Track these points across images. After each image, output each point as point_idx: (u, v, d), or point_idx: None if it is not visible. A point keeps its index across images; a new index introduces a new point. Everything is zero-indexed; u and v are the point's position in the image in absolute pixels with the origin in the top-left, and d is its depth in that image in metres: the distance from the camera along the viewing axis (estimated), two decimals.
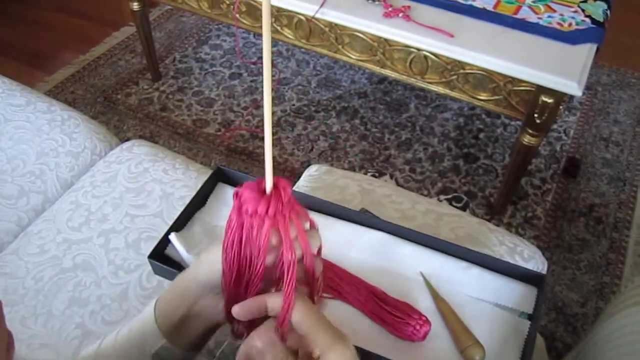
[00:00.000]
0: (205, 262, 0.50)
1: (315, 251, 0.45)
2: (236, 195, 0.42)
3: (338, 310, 0.67)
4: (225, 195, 0.78)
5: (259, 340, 0.42)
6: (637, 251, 1.61)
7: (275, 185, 0.41)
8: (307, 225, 0.45)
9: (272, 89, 2.08)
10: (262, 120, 1.98)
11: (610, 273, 1.55)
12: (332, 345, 0.40)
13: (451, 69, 1.35)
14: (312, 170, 0.98)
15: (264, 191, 0.41)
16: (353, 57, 1.49)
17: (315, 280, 0.45)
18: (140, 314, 0.57)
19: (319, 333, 0.41)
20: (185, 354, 0.55)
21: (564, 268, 1.56)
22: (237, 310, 0.44)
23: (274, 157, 1.85)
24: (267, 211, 0.40)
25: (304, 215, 0.44)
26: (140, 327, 0.55)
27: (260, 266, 0.43)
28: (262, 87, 1.89)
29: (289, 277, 0.41)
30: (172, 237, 0.70)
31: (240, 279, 0.45)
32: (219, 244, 0.47)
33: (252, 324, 0.47)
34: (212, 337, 0.58)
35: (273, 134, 1.92)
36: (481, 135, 1.94)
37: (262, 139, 1.91)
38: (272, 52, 2.27)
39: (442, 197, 1.72)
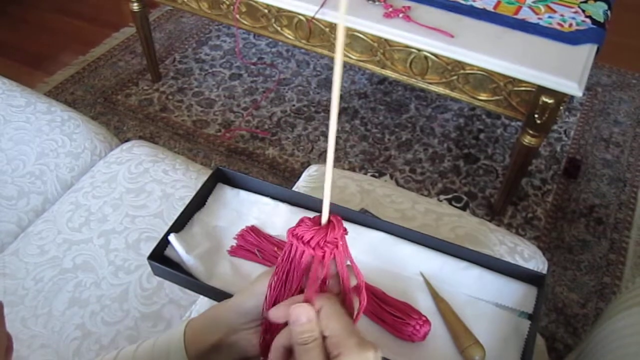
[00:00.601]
0: (252, 291, 0.50)
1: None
2: (292, 232, 0.44)
3: None
4: (225, 196, 0.78)
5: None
6: (637, 252, 1.61)
7: (330, 220, 0.44)
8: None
9: (272, 90, 2.08)
10: (261, 121, 1.98)
11: (610, 274, 1.55)
12: (351, 349, 0.39)
13: (451, 69, 1.35)
14: (312, 170, 0.98)
15: (319, 224, 0.44)
16: (353, 57, 1.49)
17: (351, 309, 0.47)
18: (167, 331, 0.57)
19: (343, 335, 0.40)
20: None
21: (564, 269, 1.56)
22: (272, 311, 0.45)
23: (273, 158, 1.86)
24: (319, 242, 0.43)
25: (348, 253, 0.46)
26: (166, 345, 0.55)
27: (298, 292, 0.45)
28: (263, 87, 1.88)
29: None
30: (172, 238, 0.70)
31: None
32: (266, 276, 0.48)
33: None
34: None
35: (273, 134, 1.93)
36: (481, 136, 1.94)
37: (263, 139, 1.91)
38: (272, 53, 2.28)
39: (442, 197, 1.72)
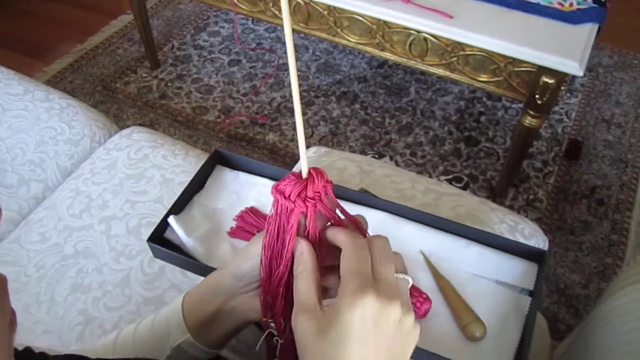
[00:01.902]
0: (246, 255, 0.50)
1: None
2: (275, 187, 0.43)
3: None
4: (224, 178, 0.78)
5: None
6: (639, 232, 1.61)
7: (312, 173, 0.43)
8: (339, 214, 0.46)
9: (271, 75, 2.07)
10: (261, 107, 1.97)
11: (612, 254, 1.55)
12: (352, 293, 0.38)
13: (451, 50, 1.34)
14: (311, 152, 0.98)
15: (301, 177, 0.43)
16: (352, 40, 1.48)
17: None
18: (165, 306, 0.57)
19: (345, 278, 0.39)
20: (206, 351, 0.54)
21: (566, 250, 1.56)
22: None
23: (274, 143, 1.86)
24: (300, 194, 0.42)
25: (339, 206, 0.45)
26: (165, 319, 0.55)
27: (291, 250, 0.44)
28: (262, 72, 1.88)
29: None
30: (171, 219, 0.70)
31: (277, 269, 0.45)
32: (259, 238, 0.47)
33: (286, 320, 0.47)
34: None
35: (272, 120, 1.92)
36: (482, 119, 1.93)
37: (262, 125, 1.91)
38: (271, 38, 2.26)
39: (442, 177, 1.71)
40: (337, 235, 0.42)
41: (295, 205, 0.42)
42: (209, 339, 0.54)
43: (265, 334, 0.49)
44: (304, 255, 0.42)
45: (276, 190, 0.43)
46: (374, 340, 0.37)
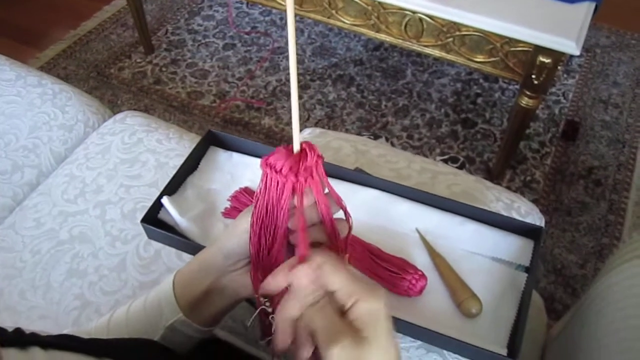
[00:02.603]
0: (233, 232, 0.49)
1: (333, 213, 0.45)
2: (265, 160, 0.42)
3: None
4: (218, 159, 0.78)
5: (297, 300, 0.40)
6: (636, 212, 1.61)
7: (304, 147, 0.42)
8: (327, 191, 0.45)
9: (266, 59, 2.05)
10: (257, 91, 1.96)
11: (609, 234, 1.55)
12: (366, 293, 0.38)
13: (447, 31, 1.33)
14: (306, 133, 0.97)
15: (292, 152, 0.42)
16: (347, 22, 1.47)
17: (339, 241, 0.45)
18: (156, 287, 0.57)
19: (351, 284, 0.38)
20: (199, 329, 0.54)
21: (563, 231, 1.56)
22: (269, 280, 0.42)
23: (269, 127, 1.85)
24: (292, 168, 0.41)
25: (326, 181, 0.44)
26: (156, 299, 0.55)
27: (283, 226, 0.43)
28: (257, 56, 1.86)
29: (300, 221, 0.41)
30: (165, 200, 0.69)
31: (267, 245, 0.45)
32: (248, 214, 0.46)
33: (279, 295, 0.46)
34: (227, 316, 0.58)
35: (268, 104, 1.91)
36: (479, 100, 1.92)
37: (258, 109, 1.90)
38: (266, 22, 2.24)
39: (438, 157, 1.71)
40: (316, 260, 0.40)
41: (287, 180, 0.41)
42: (201, 318, 0.53)
43: (257, 311, 0.49)
44: (316, 282, 0.40)
45: (266, 163, 0.42)
46: (392, 332, 0.39)
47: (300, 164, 0.41)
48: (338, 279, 0.39)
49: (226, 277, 0.51)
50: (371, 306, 0.38)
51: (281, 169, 0.41)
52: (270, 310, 0.48)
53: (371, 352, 0.37)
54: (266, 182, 0.43)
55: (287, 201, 0.42)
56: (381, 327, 0.37)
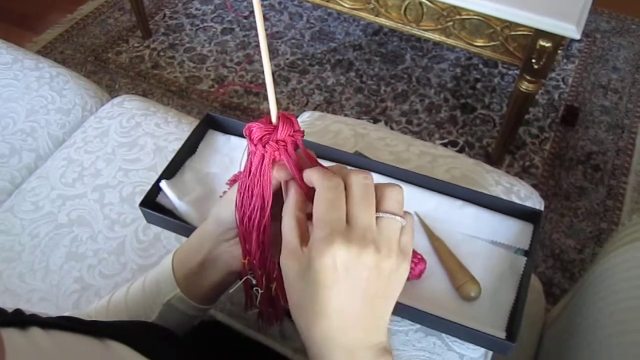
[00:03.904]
0: (225, 199, 0.49)
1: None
2: (248, 129, 0.42)
3: None
4: (216, 142, 0.77)
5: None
6: (634, 198, 1.61)
7: (282, 118, 0.41)
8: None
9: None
10: (255, 76, 1.95)
11: (607, 220, 1.56)
12: (320, 242, 0.37)
13: (447, 14, 1.32)
14: (305, 117, 0.97)
15: (271, 122, 0.42)
16: (346, 5, 1.46)
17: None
18: (156, 266, 0.57)
19: (319, 222, 0.38)
20: (195, 306, 0.55)
21: (561, 216, 1.56)
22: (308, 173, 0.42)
23: (268, 112, 1.83)
24: (262, 138, 0.41)
25: (308, 156, 0.43)
26: (155, 278, 0.55)
27: (265, 195, 0.43)
28: (256, 41, 1.85)
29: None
30: (163, 184, 0.69)
31: (250, 214, 0.44)
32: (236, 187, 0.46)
33: (265, 268, 0.47)
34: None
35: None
36: (478, 85, 1.91)
37: (257, 94, 1.89)
38: (264, 6, 2.22)
39: (437, 141, 1.71)
40: (311, 176, 0.41)
41: (256, 149, 0.41)
42: (197, 293, 0.54)
43: (242, 280, 0.49)
44: (288, 196, 0.41)
45: (247, 129, 0.42)
46: (347, 285, 0.37)
47: (272, 135, 0.40)
48: (316, 208, 0.39)
49: (219, 247, 0.52)
50: (313, 253, 0.37)
51: (253, 138, 0.41)
52: (254, 282, 0.48)
53: (305, 282, 0.38)
54: (249, 150, 0.43)
55: (262, 171, 0.42)
56: (315, 270, 0.37)
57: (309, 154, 0.43)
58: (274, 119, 0.41)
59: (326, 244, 0.37)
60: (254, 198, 0.43)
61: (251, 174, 0.43)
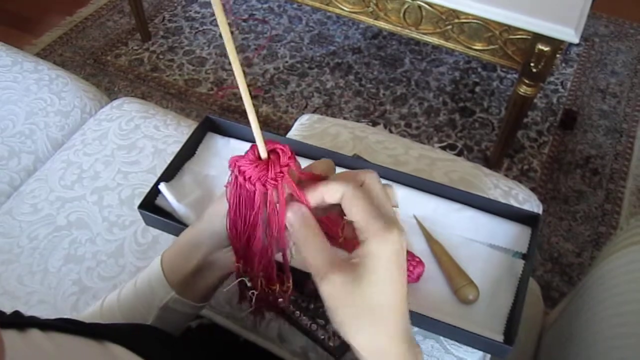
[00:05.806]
0: (215, 214, 0.50)
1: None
2: (233, 164, 0.41)
3: None
4: (215, 145, 0.77)
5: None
6: (632, 201, 1.61)
7: (273, 151, 0.40)
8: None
9: (264, 47, 2.04)
10: (254, 79, 1.95)
11: (606, 223, 1.56)
12: (376, 234, 0.37)
13: (446, 18, 1.32)
14: (304, 120, 0.97)
15: (259, 157, 0.40)
16: (346, 9, 1.46)
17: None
18: (143, 270, 0.57)
19: (367, 220, 0.38)
20: (193, 305, 0.55)
21: (560, 219, 1.56)
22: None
23: (267, 115, 1.84)
24: (260, 177, 0.39)
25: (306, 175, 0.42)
26: (146, 281, 0.55)
27: (258, 228, 0.42)
28: (255, 43, 1.84)
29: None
30: (162, 186, 0.69)
31: (245, 236, 0.44)
32: (224, 197, 0.46)
33: (263, 271, 0.47)
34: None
35: (266, 91, 1.90)
36: (477, 89, 1.91)
37: (256, 97, 1.89)
38: (264, 9, 2.23)
39: (436, 145, 1.71)
40: (331, 189, 0.40)
41: (256, 189, 0.40)
42: (194, 293, 0.54)
43: (236, 282, 0.49)
44: (304, 221, 0.40)
45: (236, 166, 0.40)
46: (401, 273, 0.38)
47: (269, 171, 0.39)
48: (355, 210, 0.38)
49: (215, 254, 0.52)
50: (375, 248, 0.37)
51: (249, 178, 0.40)
52: (250, 284, 0.48)
53: (362, 288, 0.37)
54: (235, 182, 0.41)
55: (259, 205, 0.41)
56: (379, 266, 0.37)
57: (303, 173, 0.42)
58: (262, 154, 0.40)
59: (387, 232, 0.37)
60: (249, 224, 0.42)
61: (244, 205, 0.42)
